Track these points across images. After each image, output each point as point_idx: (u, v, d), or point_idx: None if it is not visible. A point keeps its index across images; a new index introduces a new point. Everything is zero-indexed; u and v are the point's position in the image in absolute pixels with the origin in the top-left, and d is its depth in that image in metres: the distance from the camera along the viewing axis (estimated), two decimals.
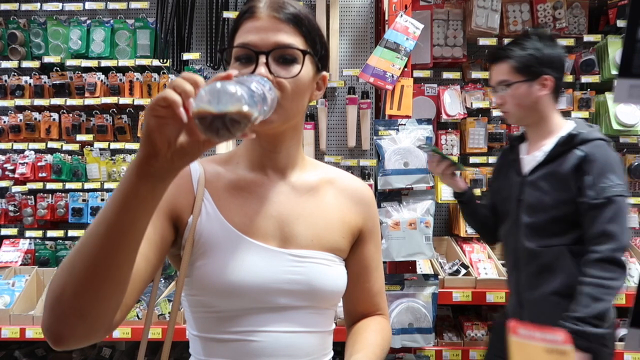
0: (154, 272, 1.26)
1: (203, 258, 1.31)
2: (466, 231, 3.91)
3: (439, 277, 3.40)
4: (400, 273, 3.25)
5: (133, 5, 3.94)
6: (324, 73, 1.44)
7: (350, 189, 1.52)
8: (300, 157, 1.48)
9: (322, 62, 1.41)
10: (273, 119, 1.25)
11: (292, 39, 1.30)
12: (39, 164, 3.99)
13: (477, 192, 3.83)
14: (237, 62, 1.30)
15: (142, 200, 0.98)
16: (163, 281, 3.80)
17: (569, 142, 2.48)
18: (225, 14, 3.98)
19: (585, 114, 3.93)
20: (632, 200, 3.94)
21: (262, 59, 1.26)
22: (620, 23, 3.97)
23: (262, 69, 1.25)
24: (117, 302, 1.07)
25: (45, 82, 4.04)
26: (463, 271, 3.58)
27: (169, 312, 3.27)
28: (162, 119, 0.92)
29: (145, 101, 3.91)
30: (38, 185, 3.97)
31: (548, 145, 2.56)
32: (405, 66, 3.28)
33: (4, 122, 4.06)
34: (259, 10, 1.30)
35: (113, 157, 4.01)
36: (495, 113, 3.93)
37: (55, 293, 1.01)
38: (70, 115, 4.05)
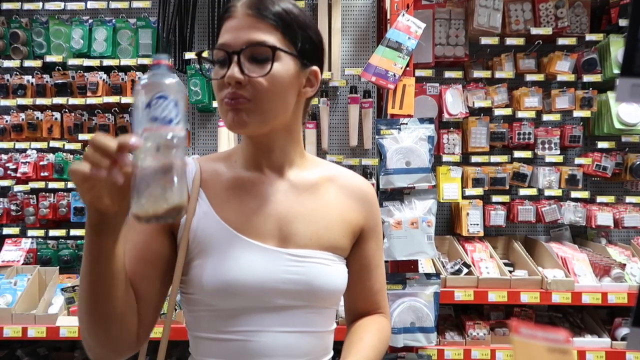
0: (162, 289, 1.34)
1: (199, 257, 1.32)
2: (468, 230, 3.91)
3: (441, 276, 3.40)
4: (402, 272, 3.26)
5: (135, 4, 3.93)
6: (314, 68, 1.38)
7: (351, 187, 1.51)
8: (299, 155, 1.47)
9: (308, 56, 1.36)
10: (247, 120, 1.28)
11: (266, 36, 1.27)
12: (41, 163, 3.99)
13: None
14: (217, 64, 1.30)
15: (103, 250, 1.12)
16: None
17: None
18: None
19: (587, 113, 3.93)
20: (634, 199, 3.95)
21: (234, 58, 1.26)
22: (622, 22, 3.96)
23: (234, 70, 1.25)
24: (124, 328, 1.24)
25: (47, 82, 4.04)
26: (465, 270, 3.58)
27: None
28: (95, 191, 1.02)
29: None
30: (40, 185, 3.98)
31: None
32: (407, 65, 3.28)
33: (6, 121, 4.06)
34: (236, 10, 1.29)
35: None
36: (497, 112, 3.93)
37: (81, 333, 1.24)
38: (72, 114, 4.05)
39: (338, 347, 1.45)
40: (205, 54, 1.35)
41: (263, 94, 1.27)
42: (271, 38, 1.28)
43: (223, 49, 1.27)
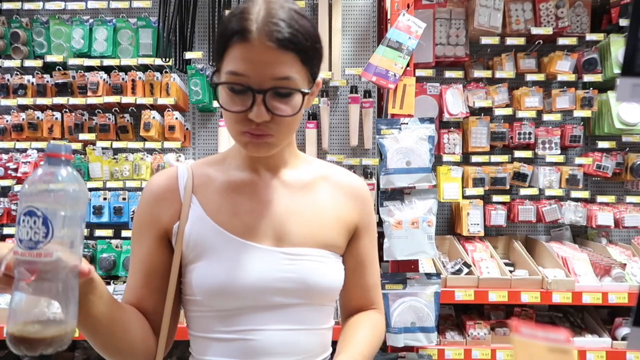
0: (175, 298, 1.39)
1: (195, 261, 1.35)
2: (468, 230, 3.91)
3: (442, 276, 3.40)
4: (403, 272, 3.25)
5: (135, 4, 3.93)
6: (318, 80, 1.37)
7: (344, 185, 1.52)
8: (293, 155, 1.49)
9: (317, 74, 1.35)
10: (268, 150, 1.30)
11: (289, 71, 1.23)
12: (42, 163, 3.98)
13: None
14: (231, 91, 1.24)
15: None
16: None
17: None
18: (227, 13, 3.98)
19: (587, 113, 3.93)
20: (634, 199, 3.95)
21: (260, 98, 1.21)
22: (623, 22, 3.96)
23: (262, 110, 1.21)
24: (136, 353, 1.33)
25: (47, 81, 4.04)
26: (465, 270, 3.58)
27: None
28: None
29: (147, 100, 3.91)
30: None
31: None
32: (408, 65, 3.27)
33: (7, 121, 4.06)
34: (251, 36, 1.19)
35: (115, 156, 4.01)
36: (498, 112, 3.93)
37: None
38: (73, 114, 4.04)
39: (336, 347, 1.45)
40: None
41: (286, 128, 1.28)
42: (294, 72, 1.23)
43: (244, 83, 1.21)
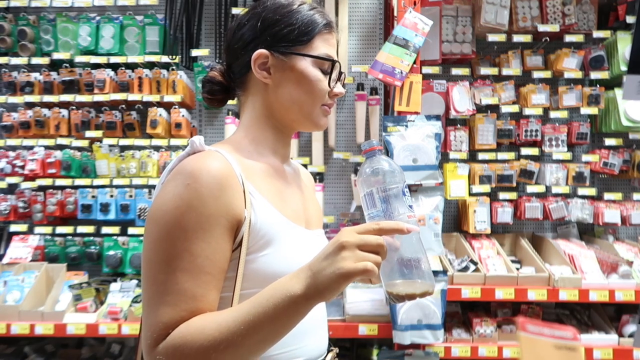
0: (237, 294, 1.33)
1: (261, 250, 1.28)
2: (475, 227, 3.91)
3: (448, 273, 3.39)
4: None
5: (142, 1, 3.94)
6: None
7: (303, 172, 1.68)
8: None
9: None
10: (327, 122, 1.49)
11: None
12: (48, 160, 4.00)
13: None
14: (322, 72, 1.42)
15: (301, 311, 1.13)
16: None
17: None
18: (234, 11, 3.98)
19: (594, 110, 3.92)
20: None
21: (343, 77, 1.49)
22: (630, 19, 3.95)
23: (343, 89, 1.47)
24: None
25: (54, 79, 4.06)
26: (472, 267, 3.57)
27: None
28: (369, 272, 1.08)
29: (154, 97, 3.92)
30: (47, 182, 3.99)
31: None
32: (414, 62, 3.27)
33: (14, 118, 4.08)
34: (335, 29, 1.46)
35: (122, 154, 4.02)
36: (504, 109, 3.92)
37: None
38: (80, 111, 4.06)
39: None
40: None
41: None
42: None
43: (338, 67, 1.44)
